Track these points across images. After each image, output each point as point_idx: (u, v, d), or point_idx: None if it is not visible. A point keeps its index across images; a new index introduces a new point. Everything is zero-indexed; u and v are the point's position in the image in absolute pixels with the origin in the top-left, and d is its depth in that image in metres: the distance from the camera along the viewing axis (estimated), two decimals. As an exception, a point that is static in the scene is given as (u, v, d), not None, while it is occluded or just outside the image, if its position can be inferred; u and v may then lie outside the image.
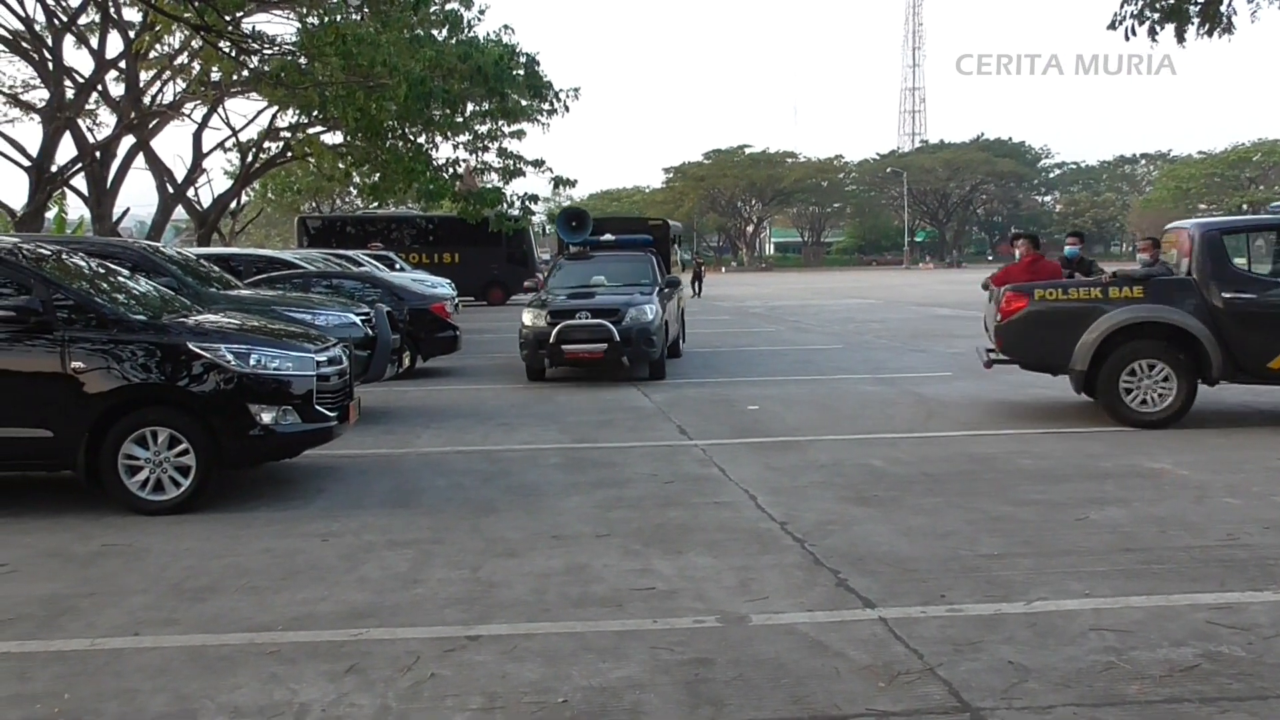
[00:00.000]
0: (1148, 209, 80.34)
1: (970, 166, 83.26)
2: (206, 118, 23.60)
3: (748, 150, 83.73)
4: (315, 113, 19.86)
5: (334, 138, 23.67)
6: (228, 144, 25.52)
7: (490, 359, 14.59)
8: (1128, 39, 9.65)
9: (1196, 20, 9.63)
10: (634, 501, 6.20)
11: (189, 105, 22.14)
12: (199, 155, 24.01)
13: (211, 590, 4.61)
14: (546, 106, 23.48)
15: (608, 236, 14.48)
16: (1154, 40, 9.77)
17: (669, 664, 3.73)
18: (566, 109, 23.27)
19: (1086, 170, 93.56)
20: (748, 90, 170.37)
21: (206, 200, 26.43)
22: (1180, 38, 9.84)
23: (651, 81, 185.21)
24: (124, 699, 3.49)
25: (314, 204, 41.49)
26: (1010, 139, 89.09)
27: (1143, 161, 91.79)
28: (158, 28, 17.68)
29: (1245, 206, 59.84)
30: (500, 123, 24.01)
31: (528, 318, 11.91)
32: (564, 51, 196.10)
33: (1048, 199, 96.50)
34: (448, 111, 20.71)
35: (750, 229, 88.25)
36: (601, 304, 11.97)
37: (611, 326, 11.43)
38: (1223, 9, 9.65)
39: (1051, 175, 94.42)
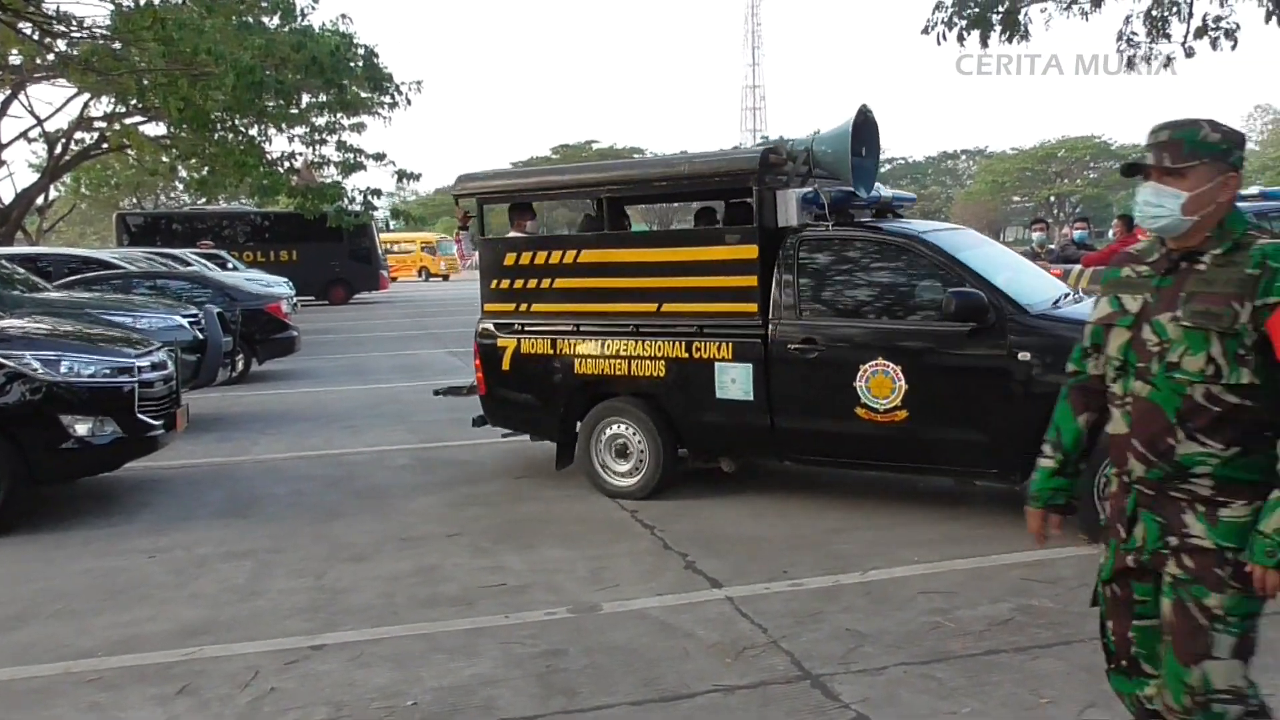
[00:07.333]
0: (969, 201, 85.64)
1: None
2: (6, 104, 21.72)
3: (595, 145, 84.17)
4: (133, 101, 18.56)
5: (156, 128, 22.22)
6: (32, 134, 23.60)
7: (332, 360, 14.09)
8: (939, 44, 10.35)
9: (999, 27, 10.45)
10: (486, 499, 6.13)
11: (-16, 92, 20.34)
12: (-3, 146, 22.11)
13: (22, 619, 4.26)
14: (387, 99, 22.89)
15: (886, 191, 6.37)
16: (962, 45, 10.54)
17: (521, 657, 3.71)
18: (408, 102, 22.77)
19: (914, 165, 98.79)
20: (593, 86, 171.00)
21: (8, 196, 24.35)
22: (984, 43, 10.65)
23: (497, 75, 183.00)
24: (-80, 742, 3.19)
25: (136, 200, 38.91)
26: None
27: (963, 156, 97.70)
28: (-55, 7, 16.11)
29: (1053, 199, 64.71)
30: (339, 115, 23.21)
31: None
32: (405, 43, 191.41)
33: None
34: (281, 102, 19.82)
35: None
36: None
37: None
38: (1020, 18, 10.51)
39: (882, 170, 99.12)
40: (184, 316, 9.32)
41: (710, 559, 4.78)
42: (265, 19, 19.36)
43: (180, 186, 32.54)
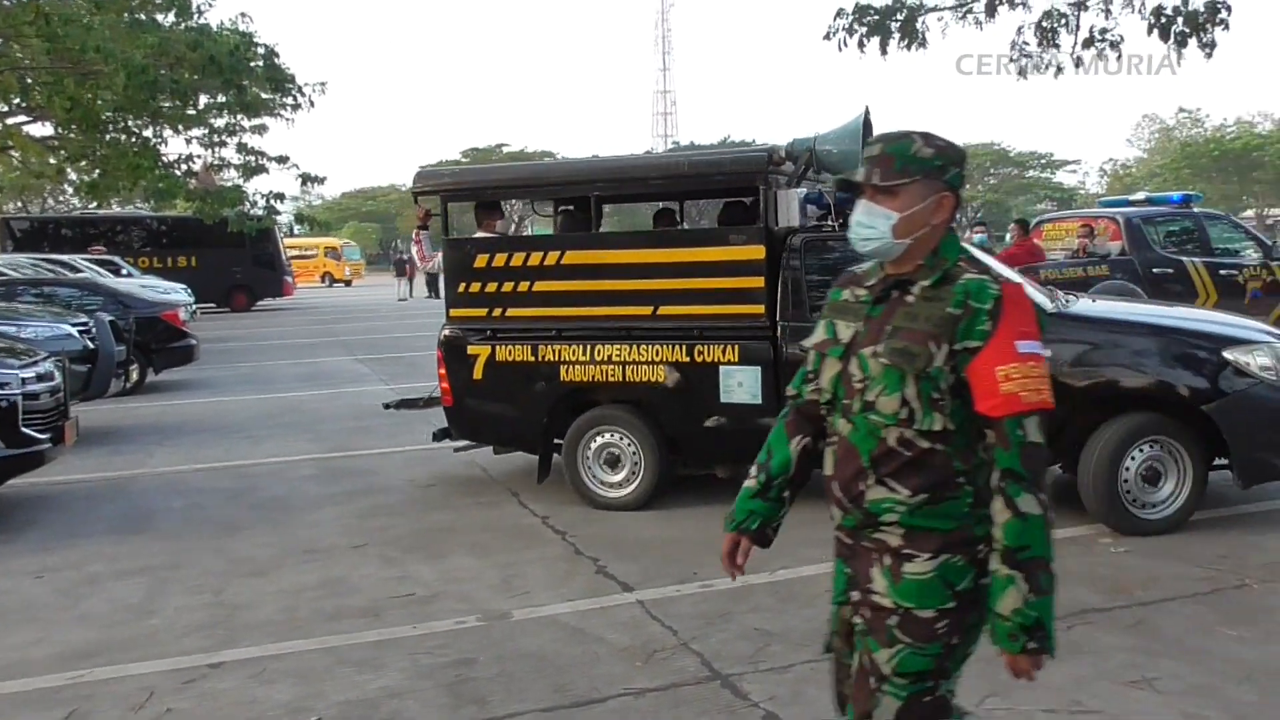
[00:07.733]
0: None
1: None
2: (-128, 103, 20.41)
3: (505, 149, 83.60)
4: (16, 100, 17.68)
5: (43, 129, 21.17)
6: (-96, 135, 22.19)
7: (233, 369, 13.66)
8: (840, 50, 10.69)
9: (898, 35, 10.85)
10: (394, 508, 6.03)
11: None
12: None
13: (-107, 645, 4.02)
14: (289, 100, 22.31)
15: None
16: (862, 51, 10.90)
17: (430, 668, 3.67)
18: (311, 103, 22.21)
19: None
20: (503, 88, 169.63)
21: (-121, 200, 22.92)
22: (884, 50, 11.02)
23: (404, 77, 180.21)
24: None
25: (21, 203, 37.02)
26: (754, 140, 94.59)
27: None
28: None
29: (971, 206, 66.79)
30: (239, 116, 22.47)
31: None
32: (307, 44, 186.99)
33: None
34: (178, 103, 19.12)
35: (514, 228, 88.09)
36: None
37: None
38: (918, 26, 10.94)
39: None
40: (73, 325, 8.94)
41: (621, 563, 4.79)
42: (159, 16, 18.67)
43: (69, 190, 31.03)
